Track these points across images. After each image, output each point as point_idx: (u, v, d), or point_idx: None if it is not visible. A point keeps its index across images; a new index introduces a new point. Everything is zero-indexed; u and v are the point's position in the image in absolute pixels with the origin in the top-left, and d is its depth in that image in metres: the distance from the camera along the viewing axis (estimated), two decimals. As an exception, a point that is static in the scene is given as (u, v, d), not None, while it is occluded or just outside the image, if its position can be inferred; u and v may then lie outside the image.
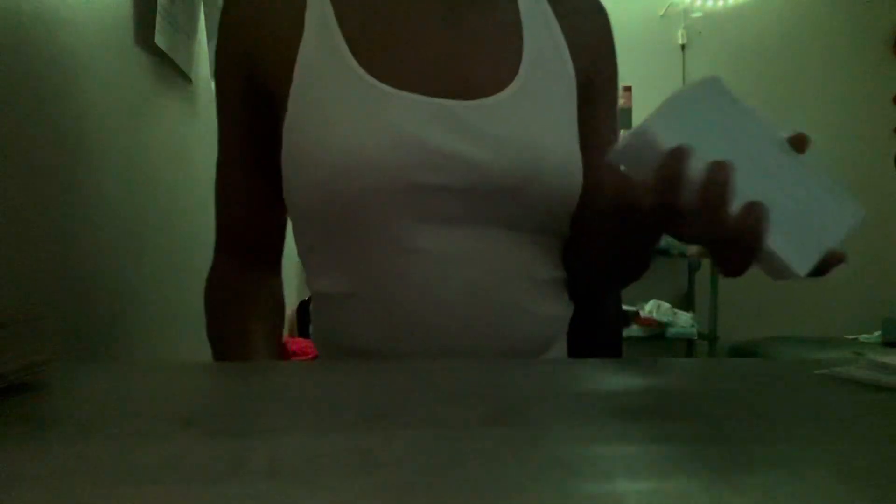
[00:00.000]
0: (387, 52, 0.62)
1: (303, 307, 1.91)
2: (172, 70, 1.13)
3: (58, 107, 0.75)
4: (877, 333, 2.93)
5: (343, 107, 0.60)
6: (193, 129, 1.24)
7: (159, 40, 1.02)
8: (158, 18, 1.01)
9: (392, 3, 0.64)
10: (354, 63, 0.61)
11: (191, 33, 1.17)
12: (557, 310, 0.66)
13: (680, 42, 3.21)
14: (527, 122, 0.62)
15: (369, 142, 0.58)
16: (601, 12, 0.74)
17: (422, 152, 0.58)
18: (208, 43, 1.24)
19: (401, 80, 0.61)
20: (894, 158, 3.23)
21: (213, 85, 0.70)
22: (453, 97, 0.62)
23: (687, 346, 3.06)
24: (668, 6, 3.15)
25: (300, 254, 0.67)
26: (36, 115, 0.71)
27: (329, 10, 0.62)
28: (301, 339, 1.86)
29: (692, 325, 2.85)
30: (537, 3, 0.70)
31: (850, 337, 2.98)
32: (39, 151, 0.71)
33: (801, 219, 0.42)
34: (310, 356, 1.70)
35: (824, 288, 3.20)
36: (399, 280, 0.59)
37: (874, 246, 3.21)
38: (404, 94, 0.60)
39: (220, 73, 0.68)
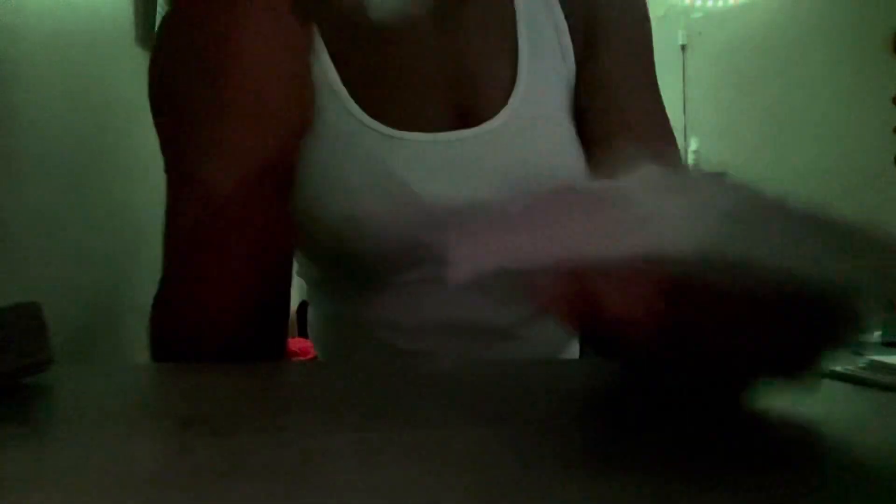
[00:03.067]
0: (382, 84, 0.58)
1: (303, 307, 1.91)
2: (172, 70, 1.13)
3: (58, 107, 0.75)
4: (877, 333, 2.92)
5: (342, 158, 0.55)
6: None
7: (159, 40, 1.02)
8: (158, 18, 1.01)
9: (380, 28, 0.58)
10: (353, 103, 0.57)
11: (191, 33, 1.17)
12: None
13: (680, 42, 3.21)
14: (530, 144, 0.58)
15: (370, 206, 0.54)
16: None
17: (423, 210, 0.54)
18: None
19: (399, 116, 0.57)
20: (894, 158, 3.22)
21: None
22: (455, 125, 0.57)
23: (687, 346, 3.06)
24: (668, 6, 3.15)
25: (299, 273, 0.67)
26: (36, 115, 0.71)
27: (321, 43, 0.58)
28: (301, 339, 1.86)
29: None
30: None
31: (850, 337, 2.98)
32: (39, 151, 0.71)
33: None
34: (310, 356, 1.70)
35: (824, 288, 3.19)
36: (400, 309, 0.59)
37: (874, 246, 3.21)
38: (404, 136, 0.56)
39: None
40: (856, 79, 3.19)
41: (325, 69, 0.57)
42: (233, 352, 0.45)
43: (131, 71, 0.99)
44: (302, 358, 1.69)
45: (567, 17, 0.62)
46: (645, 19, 0.66)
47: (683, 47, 3.19)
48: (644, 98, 0.63)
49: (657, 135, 0.62)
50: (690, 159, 3.00)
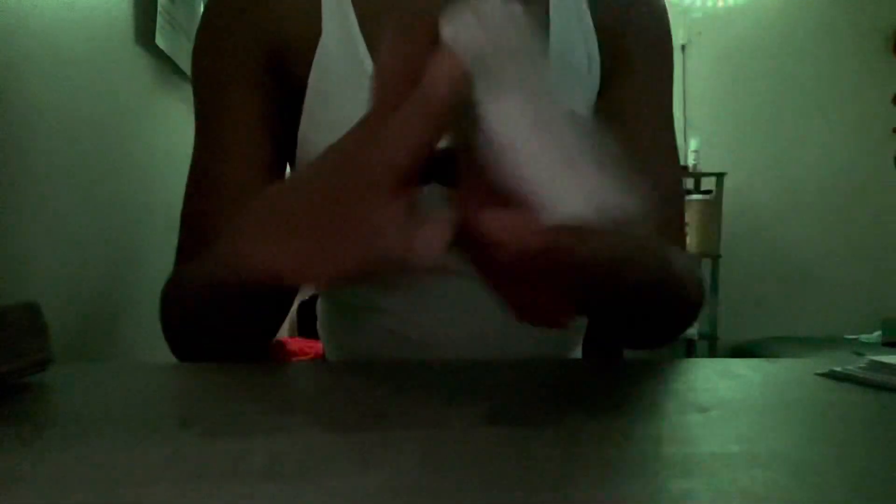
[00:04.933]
0: None
1: (303, 307, 1.91)
2: (172, 70, 1.13)
3: (58, 107, 0.75)
4: (877, 333, 2.93)
5: None
6: (193, 129, 1.24)
7: (159, 40, 1.02)
8: (158, 19, 1.01)
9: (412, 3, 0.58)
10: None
11: (191, 33, 1.17)
12: (575, 324, 0.66)
13: (680, 42, 3.20)
14: None
15: None
16: None
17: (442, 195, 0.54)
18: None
19: None
20: (894, 158, 3.22)
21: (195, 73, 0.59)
22: None
23: (687, 346, 3.06)
24: (669, 6, 3.15)
25: None
26: (36, 114, 0.71)
27: (348, 5, 0.55)
28: (301, 339, 1.86)
29: (692, 326, 2.85)
30: None
31: (850, 337, 2.98)
32: (39, 151, 0.71)
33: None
34: (310, 356, 1.70)
35: (824, 288, 3.19)
36: (407, 299, 0.59)
37: (874, 246, 3.21)
38: None
39: (228, 55, 0.56)
40: (856, 79, 3.19)
41: (356, 46, 0.55)
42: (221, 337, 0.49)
43: (131, 71, 0.98)
44: (302, 358, 1.70)
45: (597, 31, 0.61)
46: (669, 43, 0.66)
47: (683, 47, 3.19)
48: (655, 126, 0.63)
49: (659, 161, 0.62)
50: (690, 159, 3.00)
